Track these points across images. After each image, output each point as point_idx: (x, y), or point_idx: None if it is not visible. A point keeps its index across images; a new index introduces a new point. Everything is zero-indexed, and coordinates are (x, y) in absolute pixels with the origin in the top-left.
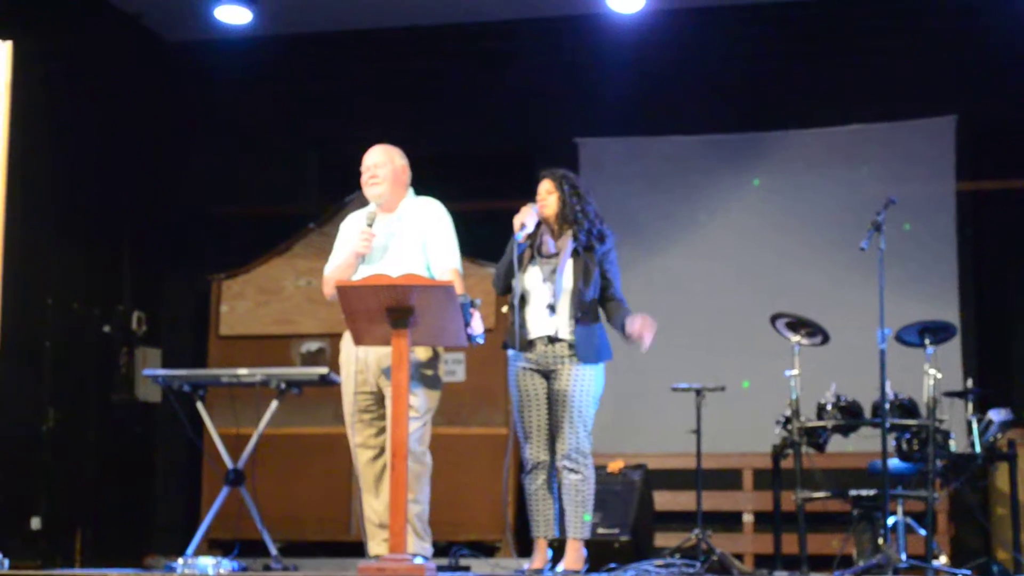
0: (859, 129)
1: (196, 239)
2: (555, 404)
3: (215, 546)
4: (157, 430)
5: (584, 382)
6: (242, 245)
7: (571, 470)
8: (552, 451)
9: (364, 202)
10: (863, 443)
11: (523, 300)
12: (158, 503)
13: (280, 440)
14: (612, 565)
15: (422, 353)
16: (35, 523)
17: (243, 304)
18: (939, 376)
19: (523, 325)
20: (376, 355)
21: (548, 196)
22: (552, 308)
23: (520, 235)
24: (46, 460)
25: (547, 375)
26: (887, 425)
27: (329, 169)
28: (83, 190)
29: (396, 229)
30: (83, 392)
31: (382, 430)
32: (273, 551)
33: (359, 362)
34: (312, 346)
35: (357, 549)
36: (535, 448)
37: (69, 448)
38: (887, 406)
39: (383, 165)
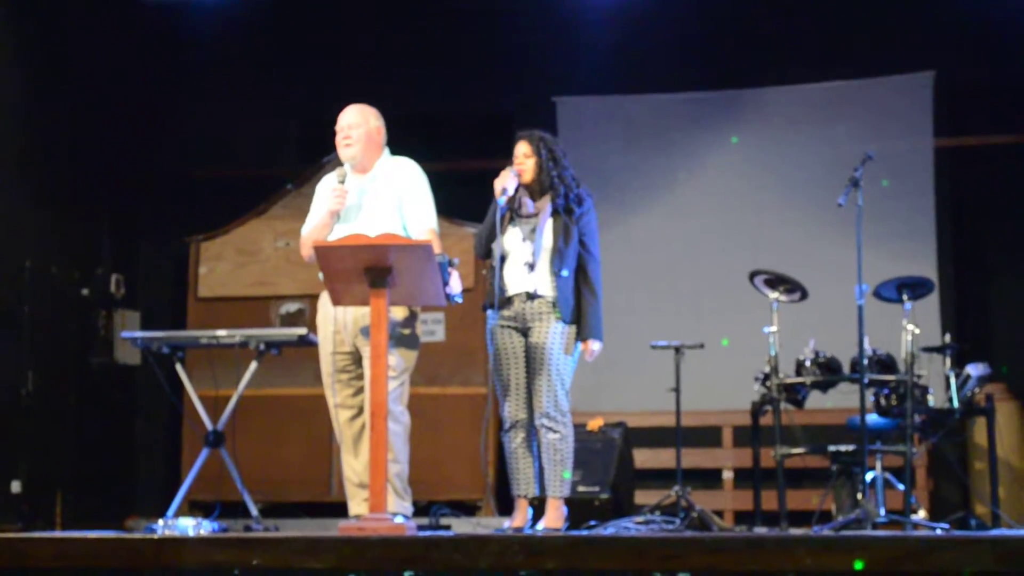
0: (837, 86)
1: (174, 201)
2: (532, 360)
3: (196, 508)
4: (136, 392)
5: (561, 338)
6: (220, 207)
7: (549, 429)
8: (530, 409)
9: (341, 162)
10: (842, 399)
11: (502, 260)
12: (138, 465)
13: (260, 401)
14: (592, 523)
15: (399, 313)
16: (15, 486)
17: (221, 266)
18: (917, 331)
19: (502, 283)
20: (354, 315)
21: (526, 160)
22: (531, 266)
23: (502, 200)
24: (26, 423)
25: (524, 332)
26: (865, 381)
27: (307, 130)
28: (60, 154)
29: (371, 189)
30: (62, 355)
31: (360, 390)
32: (254, 512)
33: (337, 322)
34: (291, 307)
35: (338, 509)
36: (513, 406)
37: (49, 411)
38: (865, 362)
39: (357, 126)
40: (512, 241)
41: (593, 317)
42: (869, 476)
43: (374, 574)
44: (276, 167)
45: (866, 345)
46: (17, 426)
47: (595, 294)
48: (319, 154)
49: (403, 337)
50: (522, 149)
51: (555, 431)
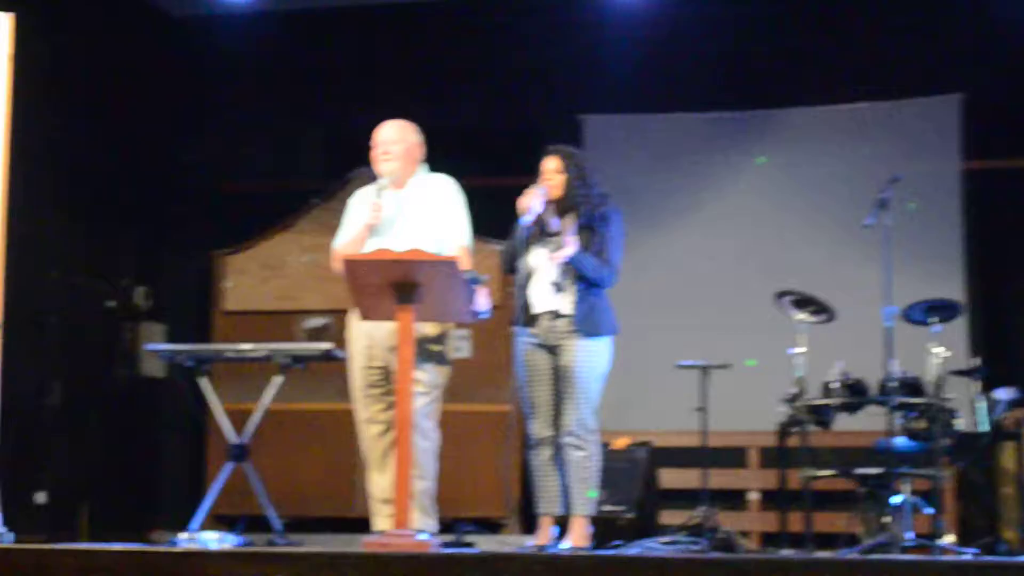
0: (864, 107)
1: (200, 214)
2: (560, 380)
3: (219, 521)
4: (161, 405)
5: (588, 357)
6: (246, 220)
7: (575, 447)
8: (557, 427)
9: (369, 178)
10: (869, 421)
11: (528, 277)
12: (162, 478)
13: (284, 416)
14: (617, 542)
15: (431, 329)
16: (40, 498)
17: (247, 280)
18: (947, 354)
19: (528, 301)
20: (386, 330)
21: (555, 175)
22: (557, 285)
23: (528, 219)
24: (51, 435)
25: (552, 350)
26: (893, 403)
27: (334, 145)
28: (88, 164)
29: (406, 204)
30: (87, 367)
31: (390, 405)
32: (277, 526)
33: (369, 337)
34: (316, 322)
35: (361, 525)
36: (540, 424)
37: (74, 423)
38: (893, 384)
39: (397, 142)
40: (538, 259)
41: (591, 260)
42: (896, 499)
43: None
44: (302, 181)
45: (894, 367)
46: (42, 437)
47: (598, 267)
48: (345, 169)
49: (434, 353)
50: (551, 164)
51: (581, 449)
